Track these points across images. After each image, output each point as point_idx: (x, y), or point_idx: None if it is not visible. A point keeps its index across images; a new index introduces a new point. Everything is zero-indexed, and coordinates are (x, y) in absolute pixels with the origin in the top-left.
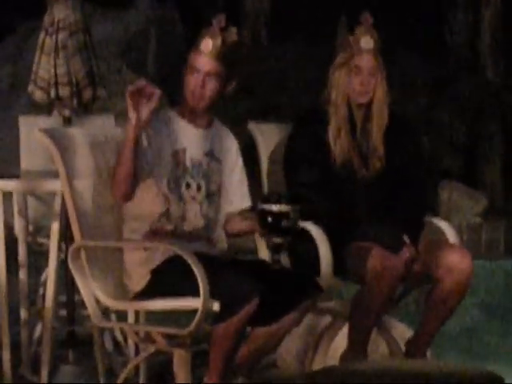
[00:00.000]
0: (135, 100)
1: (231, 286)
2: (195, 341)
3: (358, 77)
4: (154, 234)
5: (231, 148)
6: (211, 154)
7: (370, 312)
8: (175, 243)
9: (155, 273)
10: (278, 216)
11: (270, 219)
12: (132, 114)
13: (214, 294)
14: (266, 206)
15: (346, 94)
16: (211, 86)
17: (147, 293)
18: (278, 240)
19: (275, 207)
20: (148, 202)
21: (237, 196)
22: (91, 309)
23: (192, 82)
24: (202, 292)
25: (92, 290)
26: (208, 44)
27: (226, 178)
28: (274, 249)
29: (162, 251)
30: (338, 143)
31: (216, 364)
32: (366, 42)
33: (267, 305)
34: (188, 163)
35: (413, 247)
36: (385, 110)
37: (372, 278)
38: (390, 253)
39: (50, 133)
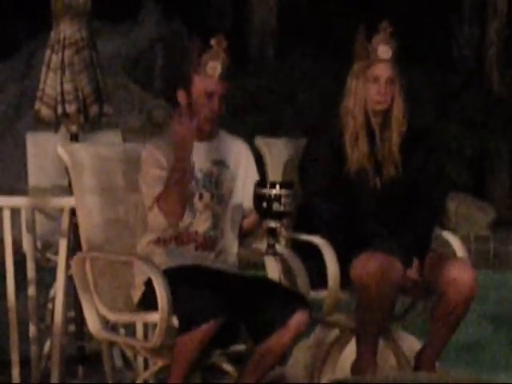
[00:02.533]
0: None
1: (192, 304)
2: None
3: (376, 86)
4: (158, 242)
5: (240, 152)
6: (221, 162)
7: (370, 317)
8: (175, 253)
9: (147, 284)
10: (270, 199)
11: (262, 203)
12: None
13: (176, 309)
14: (259, 190)
15: (363, 102)
16: (222, 106)
17: (143, 304)
18: (271, 224)
19: (267, 191)
20: (159, 218)
21: (250, 192)
22: (90, 320)
23: (208, 106)
24: (160, 307)
25: (93, 301)
26: (216, 67)
27: (240, 180)
28: (269, 233)
29: (158, 261)
30: (355, 151)
31: (173, 377)
32: (384, 51)
33: (254, 322)
34: (199, 175)
35: (419, 271)
36: (404, 118)
37: (371, 280)
38: (389, 257)
39: (68, 149)
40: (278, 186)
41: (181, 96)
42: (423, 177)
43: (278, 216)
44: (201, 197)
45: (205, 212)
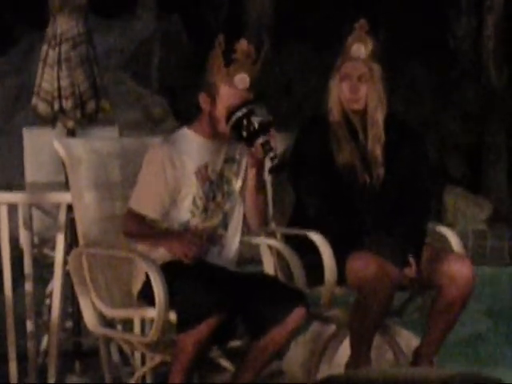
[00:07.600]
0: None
1: (192, 299)
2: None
3: (347, 83)
4: None
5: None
6: (231, 159)
7: (366, 319)
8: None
9: (148, 276)
10: (247, 116)
11: (241, 126)
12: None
13: (174, 305)
14: (234, 115)
15: (339, 101)
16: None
17: (143, 295)
18: (260, 140)
19: (240, 111)
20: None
21: None
22: (87, 315)
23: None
24: (157, 302)
25: (90, 297)
26: (245, 80)
27: (245, 176)
28: (264, 149)
29: (159, 254)
30: (340, 150)
31: (174, 375)
32: (357, 49)
33: (252, 319)
34: (213, 177)
35: (416, 268)
36: (379, 119)
37: (368, 285)
38: (385, 262)
39: (64, 144)
40: (245, 104)
41: (203, 101)
42: (412, 172)
43: (263, 128)
44: (214, 198)
45: (216, 210)
